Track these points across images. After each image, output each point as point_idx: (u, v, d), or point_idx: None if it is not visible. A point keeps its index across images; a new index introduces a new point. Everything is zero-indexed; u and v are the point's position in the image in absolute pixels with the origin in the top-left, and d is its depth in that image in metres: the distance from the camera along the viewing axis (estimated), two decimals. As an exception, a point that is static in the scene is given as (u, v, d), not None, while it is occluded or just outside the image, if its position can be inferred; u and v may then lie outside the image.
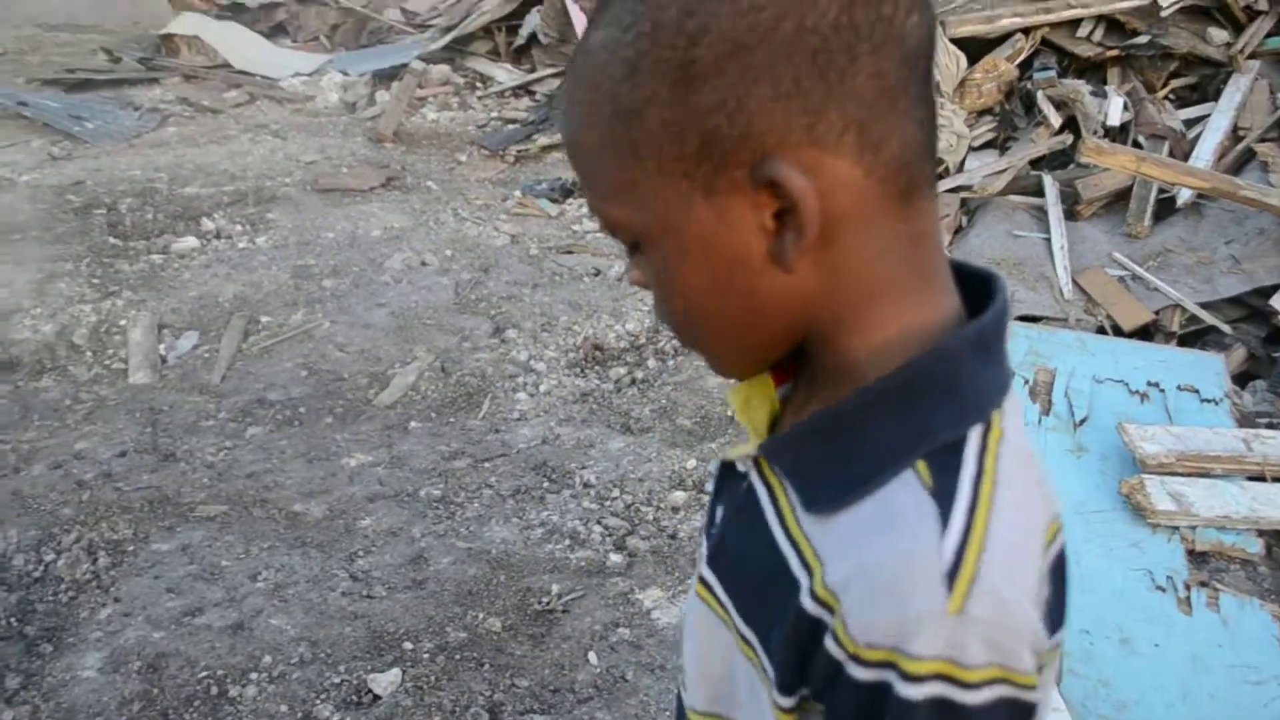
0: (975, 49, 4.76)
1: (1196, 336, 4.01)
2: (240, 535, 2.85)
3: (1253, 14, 4.76)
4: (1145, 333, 4.01)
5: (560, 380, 3.83)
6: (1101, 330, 4.03)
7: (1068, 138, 4.52)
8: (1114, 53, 4.75)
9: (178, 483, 3.09)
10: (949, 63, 4.64)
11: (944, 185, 4.59)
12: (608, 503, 3.13)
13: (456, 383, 3.80)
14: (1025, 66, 4.86)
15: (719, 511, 0.72)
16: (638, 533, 3.00)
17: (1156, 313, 3.99)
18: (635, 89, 0.55)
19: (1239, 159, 4.42)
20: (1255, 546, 3.03)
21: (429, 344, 4.04)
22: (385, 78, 7.18)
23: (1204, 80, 4.87)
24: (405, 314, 4.26)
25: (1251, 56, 4.69)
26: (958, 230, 4.60)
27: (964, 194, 4.63)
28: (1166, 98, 4.83)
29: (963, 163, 4.78)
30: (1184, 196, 4.27)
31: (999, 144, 4.84)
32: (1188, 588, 2.85)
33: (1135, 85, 4.77)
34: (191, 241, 4.77)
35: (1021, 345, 3.79)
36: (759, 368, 0.66)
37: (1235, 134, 4.51)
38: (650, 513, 3.09)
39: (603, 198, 0.60)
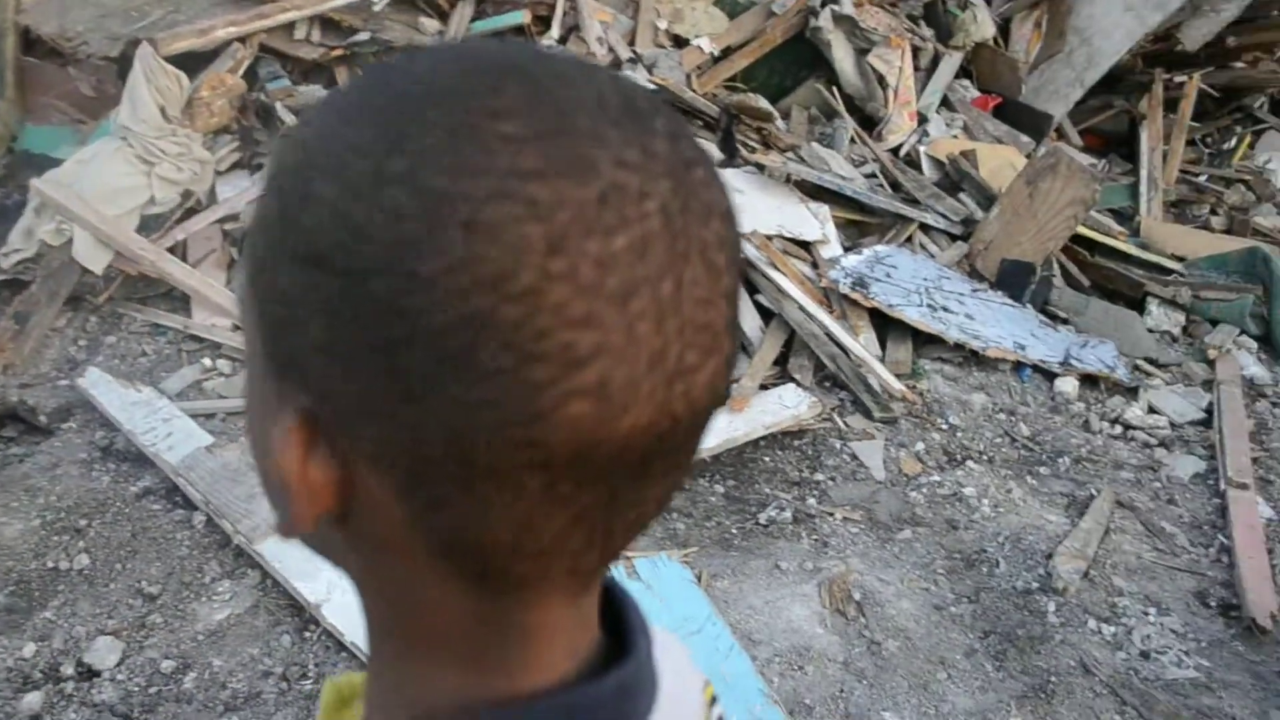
0: (193, 65, 4.43)
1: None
2: None
3: (454, 2, 5.10)
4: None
5: None
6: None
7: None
8: (338, 52, 4.77)
9: None
10: (170, 84, 4.26)
11: (207, 219, 4.24)
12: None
13: None
14: (251, 76, 4.65)
15: None
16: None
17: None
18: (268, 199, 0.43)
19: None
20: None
21: None
22: None
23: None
24: None
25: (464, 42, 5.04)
26: (231, 264, 4.32)
27: (229, 225, 4.34)
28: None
29: (213, 189, 4.46)
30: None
31: (247, 164, 4.60)
32: (602, 570, 3.05)
33: (366, 82, 4.85)
34: None
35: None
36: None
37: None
38: (3, 739, 2.43)
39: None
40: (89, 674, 2.60)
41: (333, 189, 0.39)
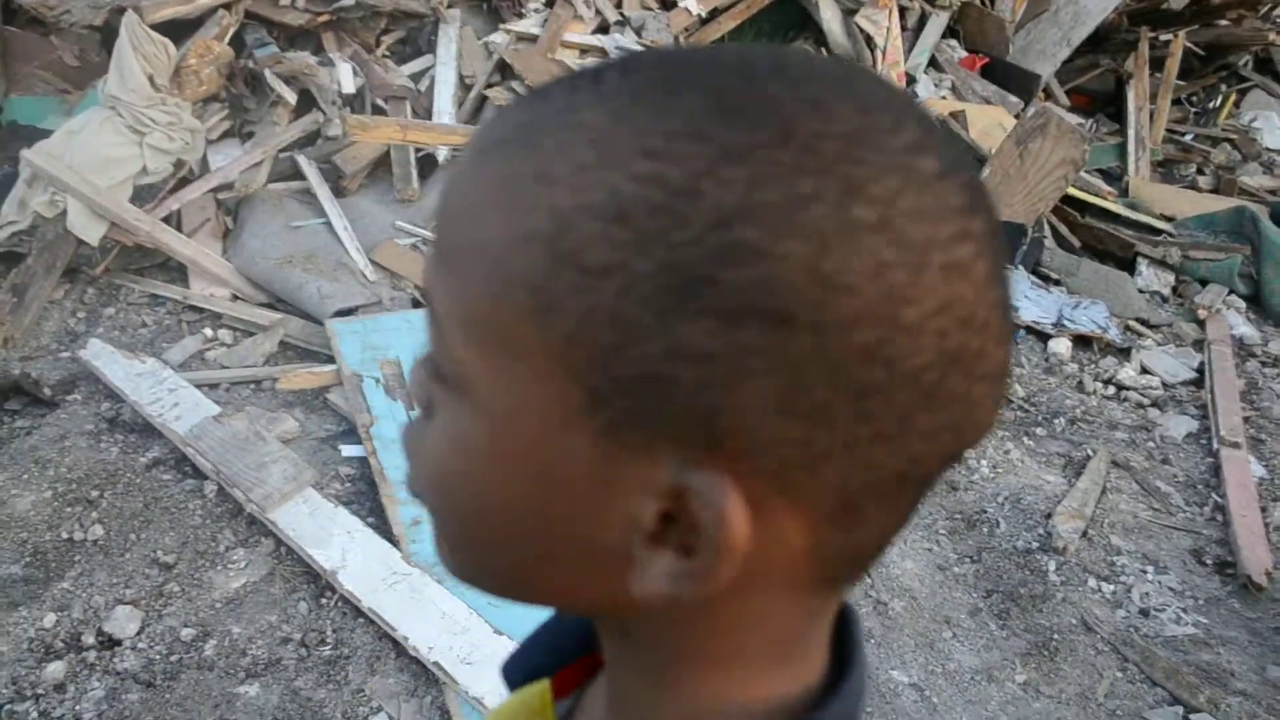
0: (179, 32, 4.41)
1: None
2: None
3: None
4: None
5: None
6: (417, 304, 4.13)
7: (320, 117, 4.45)
8: (324, 17, 4.76)
9: None
10: (157, 52, 4.24)
11: (200, 188, 4.25)
12: (-37, 723, 2.44)
13: None
14: (237, 44, 4.63)
15: None
16: (28, 744, 2.40)
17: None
18: (609, 246, 0.37)
19: (474, 106, 4.77)
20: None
21: None
22: None
23: (412, 33, 5.13)
24: None
25: (450, 6, 5.04)
26: (226, 234, 4.33)
27: (222, 194, 4.34)
28: (385, 56, 4.99)
29: (204, 158, 4.46)
30: (443, 153, 4.51)
31: (237, 132, 4.59)
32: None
33: (355, 48, 4.84)
34: None
35: (354, 344, 3.74)
36: (493, 592, 0.49)
37: (463, 83, 4.84)
38: (31, 710, 2.49)
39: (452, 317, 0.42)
40: (110, 643, 2.65)
41: (784, 242, 0.36)
